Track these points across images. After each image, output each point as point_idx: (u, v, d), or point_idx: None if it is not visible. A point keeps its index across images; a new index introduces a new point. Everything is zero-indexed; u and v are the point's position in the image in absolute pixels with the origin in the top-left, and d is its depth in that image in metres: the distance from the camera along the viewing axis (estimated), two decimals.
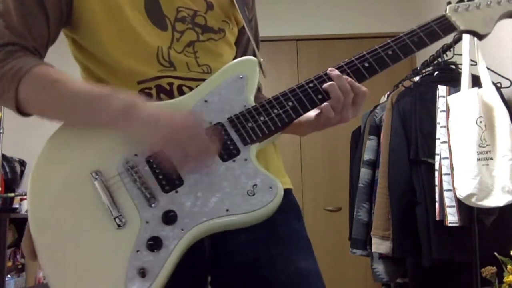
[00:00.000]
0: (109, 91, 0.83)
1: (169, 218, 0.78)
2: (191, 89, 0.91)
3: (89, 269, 0.77)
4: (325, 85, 0.89)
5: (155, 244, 0.76)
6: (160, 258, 0.76)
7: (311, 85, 0.89)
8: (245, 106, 0.87)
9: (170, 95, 0.89)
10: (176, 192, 0.81)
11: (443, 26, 0.96)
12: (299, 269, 0.90)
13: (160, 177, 0.81)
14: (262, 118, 0.86)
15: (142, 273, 0.75)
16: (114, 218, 0.78)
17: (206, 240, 0.88)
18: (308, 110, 0.89)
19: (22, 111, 0.86)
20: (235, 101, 0.88)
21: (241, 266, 0.90)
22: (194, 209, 0.80)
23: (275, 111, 0.87)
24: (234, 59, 1.01)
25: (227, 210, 0.80)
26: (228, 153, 0.84)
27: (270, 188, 0.81)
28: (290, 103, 0.88)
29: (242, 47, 1.08)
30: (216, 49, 0.97)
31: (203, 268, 0.91)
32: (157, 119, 0.80)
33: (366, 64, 0.91)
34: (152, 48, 0.90)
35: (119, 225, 0.78)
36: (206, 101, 0.88)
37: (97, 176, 0.81)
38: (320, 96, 0.89)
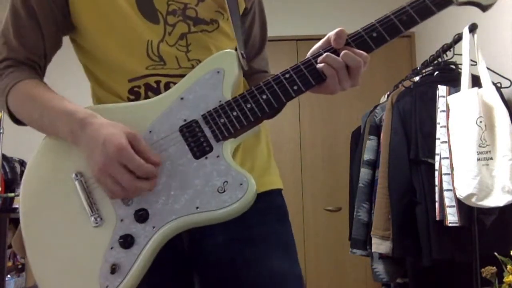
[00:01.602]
0: (70, 111, 0.84)
1: (140, 216, 0.81)
2: None
3: (68, 265, 0.81)
4: (318, 66, 0.85)
5: (126, 241, 0.79)
6: (132, 255, 0.79)
7: (287, 76, 0.86)
8: (220, 101, 0.86)
9: (157, 93, 0.91)
10: (149, 190, 0.82)
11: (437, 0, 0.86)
12: (274, 271, 0.90)
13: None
14: (234, 113, 0.85)
15: (114, 269, 0.78)
16: (91, 217, 0.82)
17: (184, 237, 0.90)
18: (283, 102, 0.86)
19: (18, 122, 0.93)
20: (211, 97, 0.87)
21: (217, 265, 0.91)
22: (166, 207, 0.81)
23: (248, 105, 0.85)
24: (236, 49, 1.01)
25: (197, 207, 0.81)
26: (201, 150, 0.84)
27: (241, 184, 0.81)
28: (264, 96, 0.85)
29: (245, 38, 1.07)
30: (210, 41, 0.96)
31: (186, 264, 0.93)
32: (93, 147, 0.79)
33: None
34: (142, 42, 0.91)
35: (96, 223, 0.82)
36: (182, 98, 0.87)
37: (77, 177, 0.84)
38: (295, 87, 0.85)
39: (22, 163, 3.40)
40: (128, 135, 0.79)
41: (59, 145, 0.88)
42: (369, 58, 0.86)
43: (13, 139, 3.14)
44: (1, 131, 2.98)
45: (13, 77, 0.90)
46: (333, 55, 0.85)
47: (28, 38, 0.92)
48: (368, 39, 0.86)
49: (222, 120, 0.85)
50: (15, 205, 3.12)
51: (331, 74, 0.84)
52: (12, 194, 3.10)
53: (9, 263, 3.05)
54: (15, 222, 3.01)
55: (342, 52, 0.84)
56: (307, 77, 0.86)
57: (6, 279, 2.91)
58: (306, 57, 0.89)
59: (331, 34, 0.87)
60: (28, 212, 0.86)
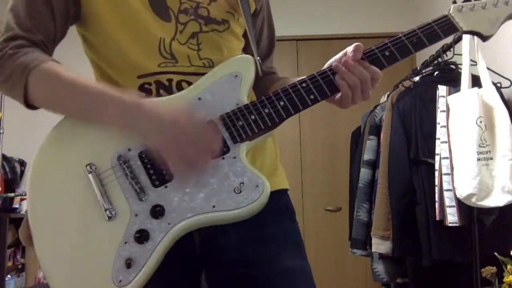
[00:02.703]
0: (116, 92, 0.84)
1: (156, 212, 0.81)
2: (190, 84, 0.92)
3: (80, 257, 0.81)
4: (336, 80, 0.89)
5: (142, 236, 0.80)
6: (147, 250, 0.79)
7: (304, 85, 0.89)
8: (237, 104, 0.88)
9: (169, 91, 0.91)
10: (166, 187, 0.83)
11: (445, 26, 0.93)
12: (286, 268, 0.91)
13: (151, 172, 0.84)
14: (252, 117, 0.87)
15: (129, 263, 0.78)
16: (105, 210, 0.82)
17: (196, 236, 0.91)
18: (299, 110, 0.89)
19: (29, 104, 0.89)
20: (228, 100, 0.89)
21: (229, 264, 0.92)
22: (182, 204, 0.82)
23: (266, 110, 0.88)
24: (244, 50, 1.02)
25: (214, 206, 0.82)
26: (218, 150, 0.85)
27: (257, 186, 0.83)
28: (281, 103, 0.88)
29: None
30: (221, 41, 0.97)
31: (195, 262, 0.93)
32: (161, 121, 0.81)
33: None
34: (155, 39, 0.91)
35: (109, 217, 0.82)
36: (199, 98, 0.89)
37: (91, 169, 0.84)
38: (312, 97, 0.89)
39: (22, 163, 3.40)
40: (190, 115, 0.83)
41: (67, 137, 0.88)
42: (381, 75, 0.90)
43: (13, 139, 3.14)
44: (1, 131, 2.98)
45: (35, 56, 0.86)
46: (350, 73, 0.88)
47: (41, 22, 0.90)
48: (381, 56, 0.90)
49: (240, 123, 0.87)
50: (15, 205, 3.12)
51: (346, 90, 0.88)
52: (12, 194, 3.10)
53: (9, 263, 3.05)
54: (15, 222, 3.01)
55: (358, 70, 0.88)
56: (323, 87, 0.90)
57: (6, 279, 2.91)
58: (323, 68, 0.92)
59: (349, 48, 0.91)
60: (36, 203, 0.85)
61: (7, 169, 3.25)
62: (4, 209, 3.01)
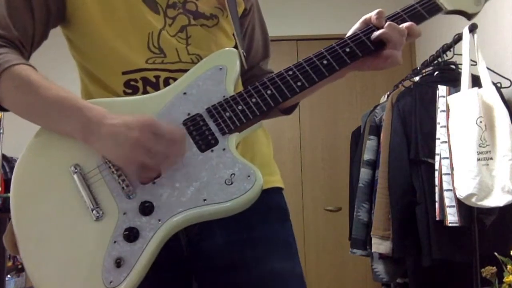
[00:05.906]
0: (81, 104, 0.82)
1: (145, 208, 0.79)
2: None
3: (68, 260, 0.78)
4: (377, 33, 0.90)
5: (131, 234, 0.77)
6: (137, 248, 0.77)
7: (290, 72, 0.89)
8: (223, 96, 0.87)
9: (156, 88, 0.89)
10: (153, 183, 0.81)
11: (428, 7, 0.94)
12: (274, 270, 0.90)
13: None
14: (239, 107, 0.86)
15: (119, 263, 0.76)
16: (92, 210, 0.79)
17: (183, 239, 0.89)
18: (287, 97, 0.87)
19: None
20: (214, 92, 0.87)
21: (216, 268, 0.90)
22: (172, 199, 0.80)
23: (253, 100, 0.86)
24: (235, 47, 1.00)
25: (205, 199, 0.79)
26: (206, 143, 0.83)
27: (249, 176, 0.80)
28: (268, 92, 0.87)
29: (246, 38, 1.07)
30: (210, 36, 0.96)
31: (185, 266, 0.91)
32: (116, 136, 0.78)
33: (348, 49, 0.91)
34: (144, 32, 0.90)
35: (97, 217, 0.79)
36: (185, 93, 0.88)
37: (76, 170, 0.82)
38: (299, 83, 0.88)
39: None
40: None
41: (51, 141, 0.85)
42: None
43: (13, 139, 3.13)
44: (1, 131, 2.98)
45: (8, 58, 0.84)
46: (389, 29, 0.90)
47: (19, 21, 0.87)
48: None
49: (227, 114, 0.85)
50: None
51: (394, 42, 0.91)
52: None
53: (9, 263, 3.05)
54: None
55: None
56: (310, 74, 0.89)
57: (6, 279, 2.91)
58: (309, 56, 0.91)
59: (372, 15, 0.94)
60: (21, 208, 0.82)
61: (7, 169, 3.24)
62: (4, 209, 3.01)
